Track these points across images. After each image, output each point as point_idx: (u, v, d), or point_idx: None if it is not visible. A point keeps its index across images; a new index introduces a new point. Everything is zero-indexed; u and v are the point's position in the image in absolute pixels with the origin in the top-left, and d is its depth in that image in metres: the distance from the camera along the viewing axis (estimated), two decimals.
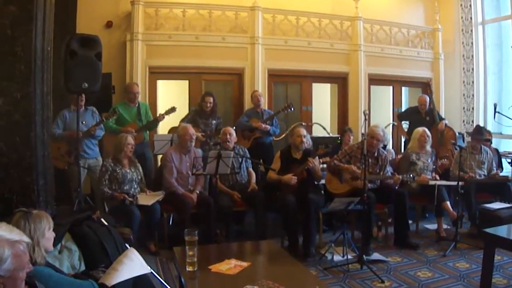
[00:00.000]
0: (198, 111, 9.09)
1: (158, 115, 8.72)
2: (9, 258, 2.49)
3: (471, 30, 12.11)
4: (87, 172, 8.14)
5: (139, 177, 7.40)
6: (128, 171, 7.20)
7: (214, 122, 9.09)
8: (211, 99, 9.04)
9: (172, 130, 8.79)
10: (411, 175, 7.57)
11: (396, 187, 7.60)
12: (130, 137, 7.33)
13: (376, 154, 7.61)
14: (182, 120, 8.79)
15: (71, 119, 7.88)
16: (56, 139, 7.72)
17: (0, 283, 2.49)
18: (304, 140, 7.67)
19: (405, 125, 10.82)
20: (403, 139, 11.17)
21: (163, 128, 9.25)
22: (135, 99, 8.78)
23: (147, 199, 7.05)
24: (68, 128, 7.86)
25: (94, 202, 7.62)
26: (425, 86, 10.93)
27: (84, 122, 8.01)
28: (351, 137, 9.31)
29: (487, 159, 8.58)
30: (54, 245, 3.79)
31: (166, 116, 8.64)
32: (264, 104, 9.84)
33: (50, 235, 3.49)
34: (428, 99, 10.25)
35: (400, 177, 7.52)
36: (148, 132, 8.87)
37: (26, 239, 2.69)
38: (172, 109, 8.67)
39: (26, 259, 2.63)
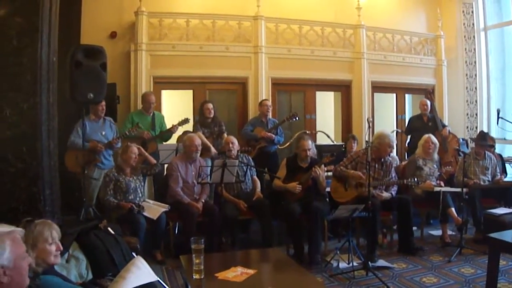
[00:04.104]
0: (201, 121, 9.11)
1: (171, 125, 8.80)
2: (8, 247, 2.56)
3: (474, 36, 12.16)
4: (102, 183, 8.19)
5: (143, 184, 7.41)
6: (131, 179, 7.19)
7: (216, 129, 9.12)
8: (211, 105, 9.11)
9: (180, 138, 8.80)
10: (415, 179, 7.58)
11: (390, 194, 7.61)
12: (135, 147, 7.35)
13: (382, 160, 7.63)
14: None
15: (91, 128, 7.97)
16: (77, 149, 7.74)
17: (7, 275, 2.54)
18: (309, 152, 7.70)
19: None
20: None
21: (172, 136, 9.24)
22: (149, 108, 8.94)
23: (153, 211, 7.04)
24: (88, 138, 7.87)
25: (102, 212, 7.62)
26: (427, 94, 10.96)
27: (103, 133, 8.10)
28: (355, 145, 9.34)
29: (491, 164, 8.58)
30: (62, 254, 3.81)
31: (179, 127, 8.76)
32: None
33: (47, 247, 3.43)
34: (429, 102, 10.28)
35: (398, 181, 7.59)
36: (162, 142, 8.91)
37: (18, 229, 2.76)
38: (185, 120, 8.82)
39: (23, 248, 2.71)
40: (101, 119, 8.19)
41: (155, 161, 7.73)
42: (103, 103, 8.02)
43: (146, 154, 7.70)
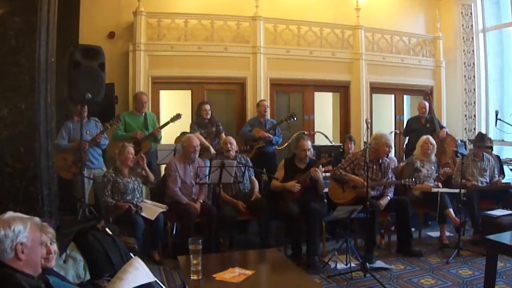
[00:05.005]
0: (198, 122, 9.12)
1: (157, 127, 8.81)
2: (28, 228, 2.93)
3: (472, 38, 12.17)
4: (93, 183, 8.20)
5: (141, 185, 7.41)
6: (129, 180, 7.19)
7: (214, 129, 9.14)
8: (208, 106, 9.13)
9: (178, 139, 8.80)
10: (413, 179, 7.57)
11: (388, 197, 7.61)
12: (131, 147, 7.36)
13: (380, 161, 7.64)
14: None
15: (75, 129, 7.98)
16: (62, 150, 7.80)
17: (25, 254, 2.86)
18: (308, 153, 7.71)
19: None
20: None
21: (169, 137, 9.27)
22: (142, 108, 8.88)
23: (150, 211, 7.03)
24: (73, 139, 7.95)
25: (99, 212, 7.63)
26: (426, 95, 10.96)
27: (88, 132, 8.12)
28: (351, 145, 9.35)
29: (489, 166, 8.57)
30: (60, 254, 3.82)
31: (170, 123, 8.74)
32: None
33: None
34: (427, 105, 10.30)
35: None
36: (155, 142, 8.84)
37: (37, 218, 3.11)
38: (177, 116, 8.73)
39: (39, 236, 3.08)
40: (85, 119, 8.17)
41: (153, 179, 7.68)
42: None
43: (148, 171, 7.63)
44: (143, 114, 8.88)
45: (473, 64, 12.14)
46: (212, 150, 8.56)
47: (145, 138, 8.59)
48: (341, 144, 10.01)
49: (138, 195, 7.24)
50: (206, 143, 8.58)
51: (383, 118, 12.42)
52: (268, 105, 9.77)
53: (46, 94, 5.32)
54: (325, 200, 7.71)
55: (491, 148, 9.10)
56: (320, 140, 10.82)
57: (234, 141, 8.07)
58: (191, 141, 7.61)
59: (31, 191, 5.18)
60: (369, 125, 7.03)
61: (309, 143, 7.80)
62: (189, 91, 10.71)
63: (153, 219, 6.85)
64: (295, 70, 10.87)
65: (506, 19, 11.91)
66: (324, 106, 12.43)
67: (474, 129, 11.98)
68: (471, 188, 8.13)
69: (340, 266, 6.76)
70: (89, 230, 4.71)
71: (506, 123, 9.44)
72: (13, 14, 5.08)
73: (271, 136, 9.27)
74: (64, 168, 7.90)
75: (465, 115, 12.21)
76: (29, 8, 5.15)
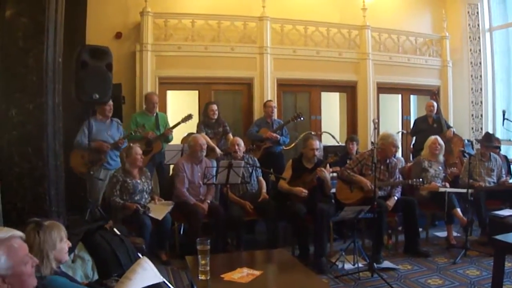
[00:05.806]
0: (205, 122, 9.13)
1: (167, 128, 8.80)
2: (4, 256, 2.53)
3: (479, 37, 12.13)
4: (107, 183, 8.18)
5: (150, 187, 7.40)
6: (139, 181, 7.16)
7: (221, 129, 9.16)
8: (215, 107, 9.15)
9: (185, 140, 8.81)
10: (421, 179, 7.56)
11: (395, 197, 7.58)
12: (138, 147, 7.34)
13: (387, 161, 7.62)
14: None
15: (98, 128, 7.94)
16: (83, 148, 7.73)
17: (7, 283, 2.52)
18: (317, 153, 7.69)
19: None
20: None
21: (176, 137, 9.23)
22: (153, 108, 8.90)
23: (158, 211, 7.00)
24: (94, 138, 7.84)
25: (107, 212, 7.61)
26: (432, 95, 10.95)
27: (109, 134, 8.10)
28: (354, 146, 9.34)
29: (496, 166, 8.55)
30: (68, 254, 3.82)
31: (182, 123, 8.77)
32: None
33: (63, 246, 3.46)
34: (435, 104, 10.28)
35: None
36: (166, 142, 8.85)
37: (17, 233, 2.71)
38: (189, 116, 8.77)
39: (23, 252, 2.66)
40: (108, 120, 8.17)
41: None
42: (111, 103, 7.99)
43: None
44: (155, 114, 8.90)
45: (480, 63, 12.10)
46: (218, 151, 8.57)
47: (156, 138, 8.61)
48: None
49: (146, 196, 7.23)
50: (212, 143, 8.59)
51: (390, 118, 12.41)
52: (275, 106, 9.76)
53: (54, 94, 5.35)
54: (333, 201, 7.70)
55: (499, 148, 9.08)
56: (327, 141, 10.81)
57: (242, 142, 8.06)
58: (197, 140, 7.62)
59: (39, 191, 5.21)
60: (376, 125, 7.03)
61: (318, 142, 7.79)
62: (196, 92, 10.73)
63: (160, 219, 6.86)
64: (302, 70, 10.87)
65: None
66: (331, 106, 12.42)
67: (481, 128, 11.94)
68: (478, 188, 8.11)
69: (348, 266, 6.76)
70: (97, 230, 4.73)
71: None
72: (20, 15, 5.11)
73: (278, 136, 9.25)
74: (79, 166, 7.88)
75: (472, 115, 12.17)
76: (36, 9, 5.18)
